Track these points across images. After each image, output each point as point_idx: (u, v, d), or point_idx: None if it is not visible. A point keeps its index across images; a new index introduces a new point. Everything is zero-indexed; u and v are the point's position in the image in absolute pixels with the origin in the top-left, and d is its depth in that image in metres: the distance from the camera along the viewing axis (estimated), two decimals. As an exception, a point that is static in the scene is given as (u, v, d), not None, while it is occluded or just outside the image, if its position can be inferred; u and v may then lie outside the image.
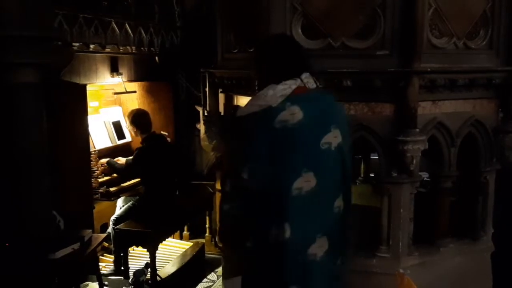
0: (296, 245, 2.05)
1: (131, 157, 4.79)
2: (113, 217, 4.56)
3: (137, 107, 5.42)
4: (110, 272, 4.44)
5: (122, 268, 4.37)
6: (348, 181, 2.22)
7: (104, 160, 4.74)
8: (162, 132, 4.99)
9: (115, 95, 5.25)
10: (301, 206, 2.04)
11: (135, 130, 4.61)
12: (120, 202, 4.82)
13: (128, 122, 4.69)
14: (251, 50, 3.04)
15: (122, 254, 4.39)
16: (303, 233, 2.05)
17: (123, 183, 4.92)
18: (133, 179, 4.95)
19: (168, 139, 5.04)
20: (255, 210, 2.08)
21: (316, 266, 2.09)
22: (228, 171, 2.15)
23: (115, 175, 4.87)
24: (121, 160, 4.85)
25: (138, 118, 4.62)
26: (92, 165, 4.53)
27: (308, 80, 2.14)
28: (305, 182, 2.03)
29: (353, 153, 2.24)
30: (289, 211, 2.04)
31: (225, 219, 2.22)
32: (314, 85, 2.17)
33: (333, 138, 2.10)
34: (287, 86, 2.08)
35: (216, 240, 5.32)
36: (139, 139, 4.75)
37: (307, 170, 2.04)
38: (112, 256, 4.64)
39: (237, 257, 2.27)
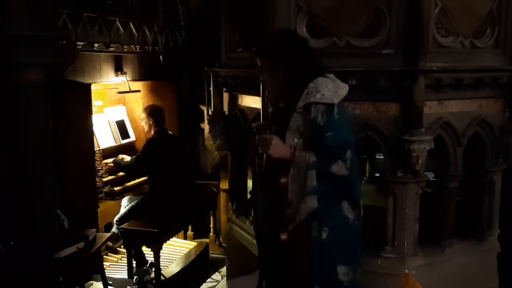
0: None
1: (133, 157, 4.81)
2: (116, 218, 4.57)
3: (141, 106, 5.44)
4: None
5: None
6: None
7: (109, 160, 4.75)
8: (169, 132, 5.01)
9: (119, 94, 5.26)
10: None
11: (151, 122, 4.66)
12: (124, 201, 4.82)
13: (145, 114, 4.74)
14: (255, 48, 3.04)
15: (133, 253, 4.41)
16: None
17: (127, 182, 4.93)
18: (140, 173, 4.95)
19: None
20: (341, 193, 2.20)
21: None
22: (311, 163, 2.10)
23: (119, 174, 4.87)
24: (126, 158, 4.85)
25: (156, 112, 4.73)
26: (96, 164, 4.54)
27: None
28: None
29: (355, 153, 2.29)
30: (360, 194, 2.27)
31: (305, 213, 2.16)
32: None
33: None
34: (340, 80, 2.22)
35: (220, 239, 5.32)
36: (144, 138, 4.76)
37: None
38: (116, 256, 4.66)
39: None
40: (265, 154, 2.27)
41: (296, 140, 2.17)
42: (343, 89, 2.19)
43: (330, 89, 2.14)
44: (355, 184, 2.23)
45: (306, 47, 2.27)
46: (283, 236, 2.19)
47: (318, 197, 2.12)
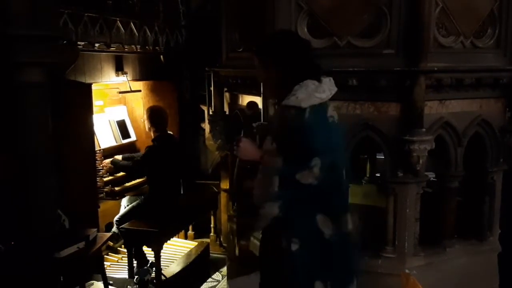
0: (355, 234, 2.14)
1: (128, 154, 4.81)
2: (116, 218, 4.57)
3: (142, 106, 5.43)
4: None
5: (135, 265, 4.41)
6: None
7: (108, 161, 4.75)
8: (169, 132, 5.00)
9: (120, 94, 5.26)
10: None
11: (150, 125, 4.60)
12: (124, 201, 4.82)
13: (146, 116, 4.67)
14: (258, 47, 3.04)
15: (133, 252, 4.41)
16: (354, 222, 2.14)
17: (128, 182, 4.93)
18: (139, 177, 4.96)
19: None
20: (315, 205, 2.05)
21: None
22: (276, 169, 2.01)
23: (119, 174, 4.87)
24: (118, 158, 4.85)
25: (156, 114, 4.61)
26: (97, 164, 4.54)
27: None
28: (346, 176, 2.13)
29: (356, 153, 2.27)
30: (348, 202, 2.14)
31: (265, 220, 2.08)
32: None
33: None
34: (331, 83, 2.12)
35: (221, 239, 5.32)
36: (144, 138, 4.75)
37: (344, 165, 2.13)
38: (117, 255, 4.66)
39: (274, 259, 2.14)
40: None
41: (272, 145, 2.11)
42: (323, 93, 2.06)
43: (308, 92, 2.03)
44: (331, 196, 2.07)
45: (302, 48, 2.18)
46: (243, 243, 2.14)
47: (286, 205, 2.01)
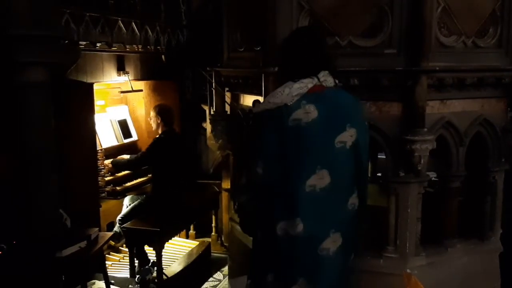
0: (308, 239, 2.12)
1: (134, 155, 4.83)
2: (118, 217, 4.58)
3: (143, 106, 5.45)
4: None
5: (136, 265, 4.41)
6: (363, 179, 2.32)
7: (108, 161, 4.75)
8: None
9: (122, 93, 5.27)
10: (315, 203, 2.10)
11: (159, 121, 4.67)
12: (126, 200, 4.83)
13: (154, 113, 4.74)
14: (257, 48, 3.03)
15: (135, 252, 4.42)
16: (317, 228, 2.12)
17: (129, 181, 4.94)
18: (140, 168, 4.95)
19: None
20: (266, 203, 2.16)
21: (328, 261, 2.15)
22: (243, 165, 2.21)
23: (121, 173, 4.88)
24: (125, 157, 4.86)
25: (165, 111, 4.75)
26: (98, 163, 4.54)
27: (325, 79, 2.20)
28: (319, 179, 2.10)
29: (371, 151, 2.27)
30: (301, 207, 2.10)
31: (241, 211, 2.31)
32: (332, 84, 2.24)
33: (348, 137, 2.16)
34: (304, 85, 2.13)
35: (222, 239, 5.32)
36: (146, 138, 4.76)
37: (321, 168, 2.09)
38: (118, 255, 4.66)
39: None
40: None
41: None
42: (278, 97, 2.12)
43: (271, 96, 2.18)
44: (278, 196, 2.13)
45: (301, 48, 2.23)
46: None
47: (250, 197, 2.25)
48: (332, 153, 2.13)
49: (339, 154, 2.14)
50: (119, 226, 4.50)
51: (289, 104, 2.10)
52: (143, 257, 4.50)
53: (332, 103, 2.18)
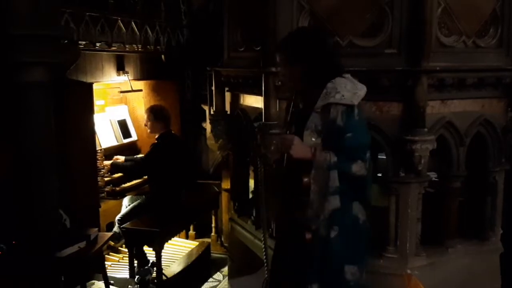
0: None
1: (130, 157, 4.81)
2: (118, 217, 4.57)
3: (143, 105, 5.43)
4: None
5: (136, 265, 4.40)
6: None
7: (107, 162, 4.74)
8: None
9: (121, 93, 5.25)
10: None
11: (154, 124, 4.58)
12: (126, 201, 4.82)
13: (148, 115, 4.65)
14: (257, 48, 3.03)
15: (134, 252, 4.41)
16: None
17: (129, 182, 4.93)
18: (140, 177, 4.95)
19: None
20: (356, 194, 2.22)
21: None
22: (333, 163, 2.12)
23: (120, 174, 4.86)
24: (120, 158, 4.84)
25: (159, 113, 4.62)
26: (98, 163, 4.53)
27: None
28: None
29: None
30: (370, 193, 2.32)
31: (326, 213, 2.19)
32: None
33: None
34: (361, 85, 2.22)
35: (222, 239, 5.32)
36: (145, 138, 4.74)
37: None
38: (118, 255, 4.65)
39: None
40: (285, 155, 2.27)
41: (314, 140, 2.19)
42: (362, 90, 2.19)
43: (350, 90, 2.15)
44: (368, 184, 2.27)
45: (325, 45, 2.26)
46: (308, 236, 2.21)
47: (343, 197, 2.15)
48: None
49: None
50: (118, 226, 4.49)
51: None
52: (143, 258, 4.49)
53: None
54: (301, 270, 2.24)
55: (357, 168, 2.12)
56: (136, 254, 4.45)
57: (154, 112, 4.60)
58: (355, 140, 2.13)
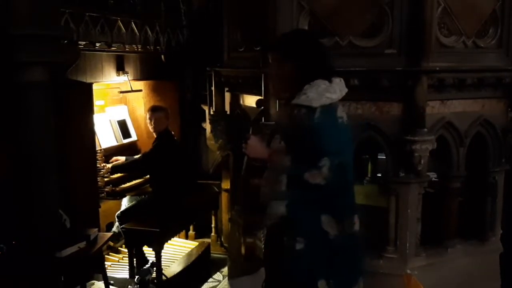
0: (360, 236, 2.12)
1: (130, 157, 4.81)
2: (118, 213, 4.57)
3: (143, 106, 5.43)
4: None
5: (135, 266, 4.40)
6: None
7: (108, 166, 4.74)
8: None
9: (121, 93, 5.25)
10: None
11: (154, 123, 4.63)
12: (125, 201, 4.82)
13: (149, 114, 4.70)
14: (257, 48, 3.03)
15: (134, 252, 4.41)
16: (360, 224, 2.12)
17: (128, 182, 4.93)
18: (142, 175, 4.94)
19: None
20: (320, 205, 2.03)
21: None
22: (285, 168, 1.99)
23: (119, 174, 4.86)
24: (121, 159, 4.84)
25: (159, 112, 4.67)
26: (98, 164, 4.53)
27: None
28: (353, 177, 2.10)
29: (358, 153, 2.24)
30: (355, 204, 2.11)
31: (271, 219, 2.07)
32: None
33: None
34: (342, 83, 2.10)
35: (222, 239, 5.32)
36: (145, 138, 4.74)
37: (352, 166, 2.09)
38: (118, 255, 4.65)
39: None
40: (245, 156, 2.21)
41: (281, 144, 2.09)
42: (334, 93, 2.05)
43: (318, 92, 2.01)
44: (337, 196, 2.04)
45: (317, 46, 2.18)
46: (249, 240, 2.16)
47: (292, 204, 2.00)
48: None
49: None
50: (118, 222, 4.49)
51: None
52: (143, 258, 4.49)
53: None
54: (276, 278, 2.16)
55: (310, 176, 1.93)
56: (136, 254, 4.45)
57: (156, 109, 4.65)
58: (311, 145, 1.96)
